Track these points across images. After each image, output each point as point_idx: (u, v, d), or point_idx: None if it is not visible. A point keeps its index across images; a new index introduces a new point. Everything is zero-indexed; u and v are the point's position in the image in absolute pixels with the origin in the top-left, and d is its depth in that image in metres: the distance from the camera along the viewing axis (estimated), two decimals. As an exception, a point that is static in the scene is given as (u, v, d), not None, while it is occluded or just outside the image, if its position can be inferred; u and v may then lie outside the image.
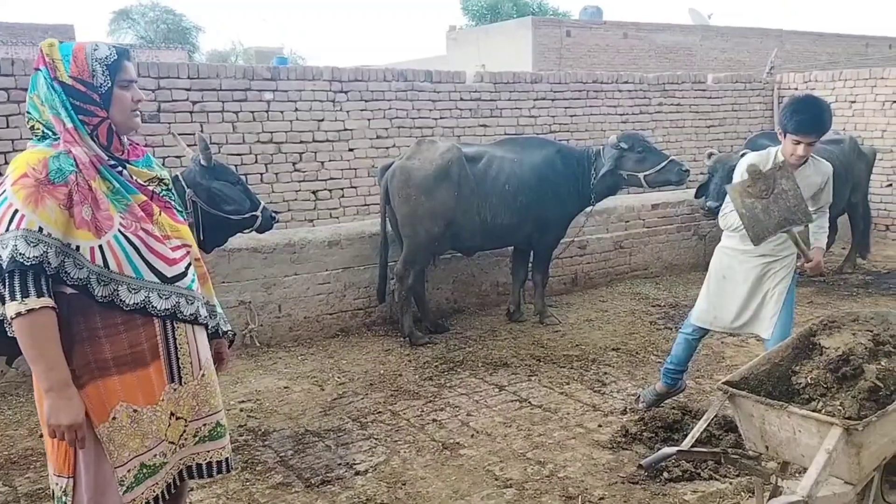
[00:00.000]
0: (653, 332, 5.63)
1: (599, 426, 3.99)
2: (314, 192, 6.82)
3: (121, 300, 2.04)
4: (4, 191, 1.94)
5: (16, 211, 1.91)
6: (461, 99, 7.51)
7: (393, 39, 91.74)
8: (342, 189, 6.96)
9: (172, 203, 2.25)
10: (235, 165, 5.98)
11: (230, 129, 6.34)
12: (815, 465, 2.35)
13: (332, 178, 6.89)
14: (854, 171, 7.07)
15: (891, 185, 8.89)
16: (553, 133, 7.97)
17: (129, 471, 2.08)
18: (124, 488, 2.06)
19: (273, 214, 4.39)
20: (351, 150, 6.94)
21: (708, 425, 3.29)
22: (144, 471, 2.11)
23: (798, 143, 3.46)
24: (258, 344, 5.40)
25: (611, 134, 5.84)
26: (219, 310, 2.42)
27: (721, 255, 3.90)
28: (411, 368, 4.97)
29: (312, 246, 5.62)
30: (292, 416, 4.25)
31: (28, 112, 2.11)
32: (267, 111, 6.49)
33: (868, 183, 7.52)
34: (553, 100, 8.11)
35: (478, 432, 3.96)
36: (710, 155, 6.14)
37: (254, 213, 4.21)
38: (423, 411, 4.25)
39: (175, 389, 2.16)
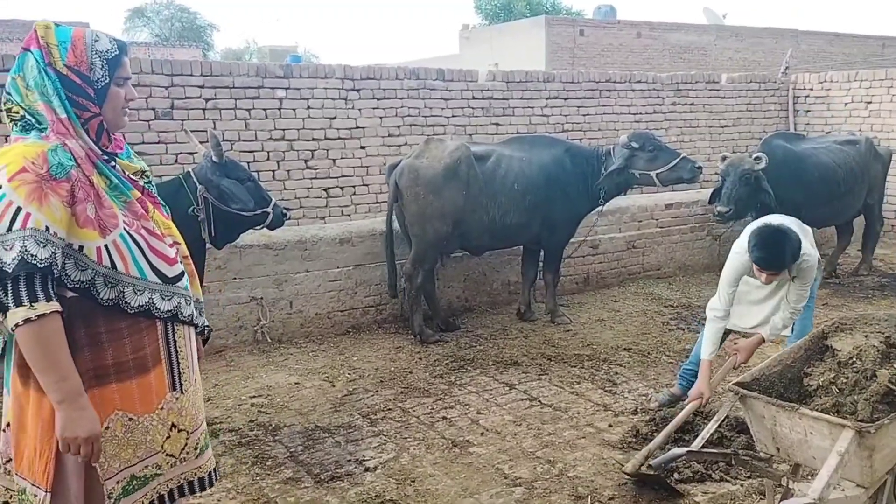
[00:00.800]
0: (665, 333, 5.60)
1: (610, 426, 3.98)
2: (326, 190, 6.84)
3: (126, 302, 1.91)
4: (0, 186, 1.77)
5: (18, 209, 1.74)
6: (473, 97, 7.49)
7: (406, 38, 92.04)
8: (354, 187, 6.96)
9: (158, 198, 2.14)
10: (248, 163, 6.00)
11: (243, 126, 6.36)
12: (826, 468, 2.33)
13: (343, 176, 6.89)
14: (870, 173, 7.01)
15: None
16: (565, 132, 7.93)
17: (118, 482, 1.95)
18: (111, 502, 1.93)
19: (284, 211, 4.40)
20: (363, 147, 6.94)
21: (719, 426, 3.29)
22: (134, 482, 1.98)
23: (761, 270, 3.36)
24: (269, 340, 5.43)
25: (623, 134, 5.82)
26: (201, 305, 2.30)
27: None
28: (422, 366, 4.97)
29: (324, 243, 5.63)
30: (303, 411, 4.26)
31: (7, 94, 1.89)
32: (279, 109, 6.50)
33: (884, 184, 7.45)
34: (566, 99, 8.07)
35: (487, 430, 3.96)
36: (723, 158, 6.09)
37: (265, 209, 4.22)
38: (433, 409, 4.26)
39: (177, 399, 2.06)
